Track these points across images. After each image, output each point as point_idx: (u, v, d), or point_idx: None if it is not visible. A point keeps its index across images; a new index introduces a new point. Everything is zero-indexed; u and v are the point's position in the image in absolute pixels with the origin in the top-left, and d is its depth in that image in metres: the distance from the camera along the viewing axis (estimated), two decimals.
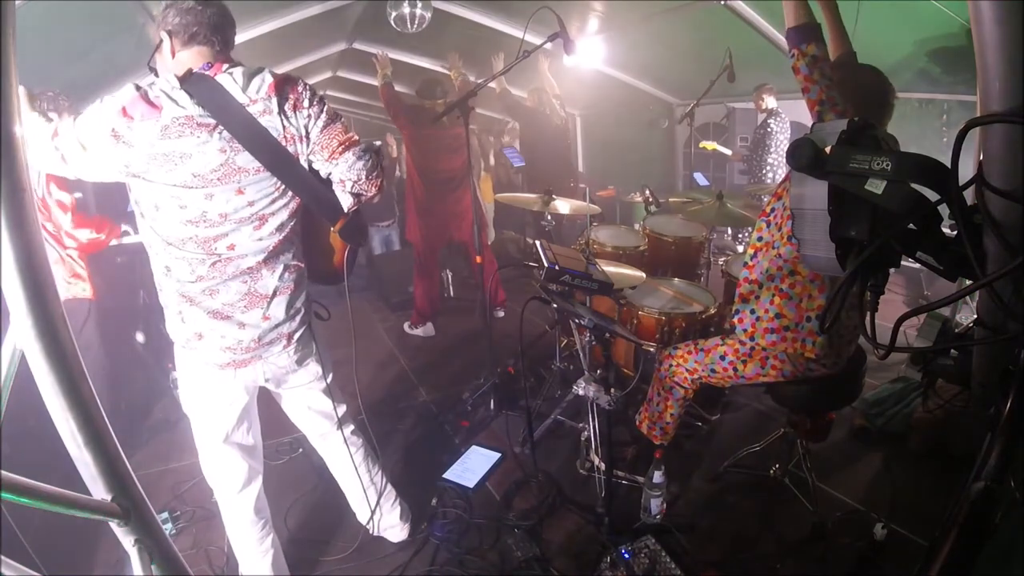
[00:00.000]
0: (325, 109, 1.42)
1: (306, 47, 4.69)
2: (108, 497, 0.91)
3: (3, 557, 0.81)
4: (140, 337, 3.07)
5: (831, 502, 2.08)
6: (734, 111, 5.78)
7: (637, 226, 3.40)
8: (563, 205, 2.99)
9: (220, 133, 1.27)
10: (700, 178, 4.48)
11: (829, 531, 1.93)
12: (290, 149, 1.38)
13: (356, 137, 1.46)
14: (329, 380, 1.67)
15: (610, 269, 2.43)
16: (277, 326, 1.48)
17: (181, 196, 1.28)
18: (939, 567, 0.74)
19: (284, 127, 1.35)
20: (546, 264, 1.83)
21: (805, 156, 0.76)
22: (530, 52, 2.33)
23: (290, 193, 1.42)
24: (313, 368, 1.63)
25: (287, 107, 1.35)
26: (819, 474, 2.05)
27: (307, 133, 1.40)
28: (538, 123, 4.24)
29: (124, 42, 2.93)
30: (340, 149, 1.42)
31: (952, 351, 1.61)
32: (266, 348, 1.48)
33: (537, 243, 2.00)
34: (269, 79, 1.34)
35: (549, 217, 2.95)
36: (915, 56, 3.38)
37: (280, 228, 1.42)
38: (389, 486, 1.92)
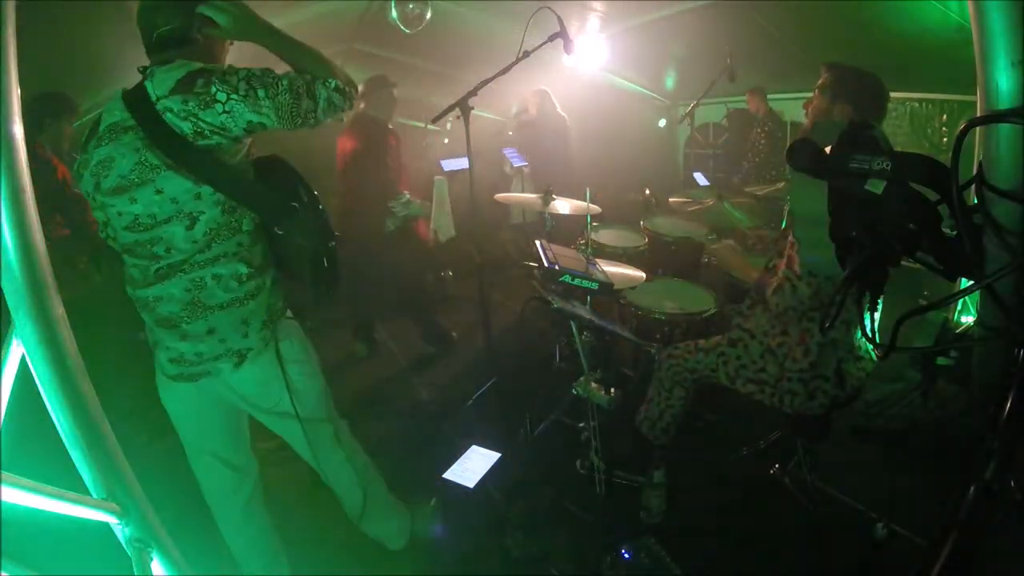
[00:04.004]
0: (248, 85, 1.26)
1: None
2: (108, 497, 0.91)
3: (3, 557, 0.81)
4: (141, 336, 3.06)
5: (831, 502, 2.08)
6: (734, 111, 5.77)
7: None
8: (563, 205, 2.98)
9: (136, 132, 1.25)
10: (700, 178, 4.47)
11: (829, 531, 1.93)
12: (207, 143, 1.26)
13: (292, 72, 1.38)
14: (306, 411, 1.52)
15: (610, 269, 2.43)
16: (223, 341, 1.37)
17: (115, 203, 1.29)
18: (939, 567, 0.74)
19: (194, 123, 1.23)
20: (546, 264, 1.83)
21: (805, 156, 0.76)
22: (530, 52, 2.32)
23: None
24: (277, 394, 1.47)
25: (192, 104, 1.22)
26: (819, 474, 2.05)
27: (225, 124, 1.25)
28: (538, 128, 4.25)
29: (123, 42, 2.93)
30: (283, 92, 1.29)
31: (952, 351, 1.61)
32: (212, 363, 1.38)
33: (537, 243, 2.00)
34: (178, 75, 1.23)
35: (548, 217, 2.95)
36: (915, 56, 3.38)
37: (215, 227, 1.30)
38: (386, 489, 1.91)
